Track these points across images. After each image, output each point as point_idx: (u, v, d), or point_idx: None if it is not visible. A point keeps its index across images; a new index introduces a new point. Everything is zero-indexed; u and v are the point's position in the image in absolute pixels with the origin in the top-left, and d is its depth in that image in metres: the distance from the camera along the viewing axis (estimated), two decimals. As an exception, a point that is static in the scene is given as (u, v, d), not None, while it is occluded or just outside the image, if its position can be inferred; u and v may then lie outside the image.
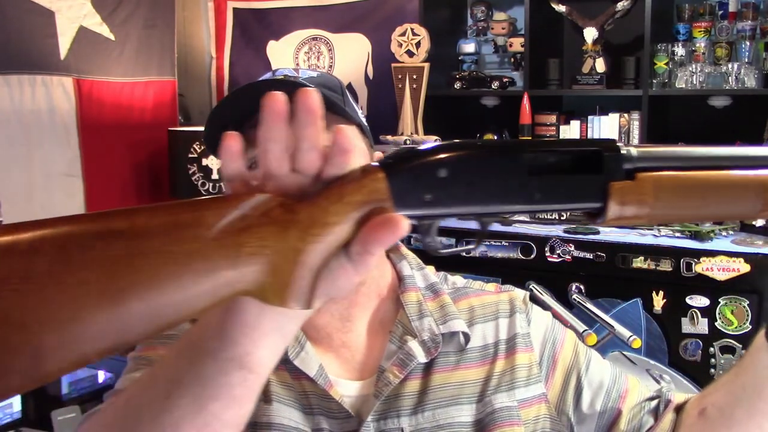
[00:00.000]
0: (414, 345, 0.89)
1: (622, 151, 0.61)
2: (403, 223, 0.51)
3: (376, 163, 0.55)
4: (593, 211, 0.61)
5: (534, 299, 1.19)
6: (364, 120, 0.94)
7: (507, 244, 2.37)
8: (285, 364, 0.86)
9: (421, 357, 0.88)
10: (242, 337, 0.53)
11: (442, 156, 0.57)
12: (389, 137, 2.89)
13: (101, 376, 2.86)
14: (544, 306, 2.37)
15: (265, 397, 0.85)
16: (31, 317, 0.43)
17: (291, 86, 0.87)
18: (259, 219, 0.49)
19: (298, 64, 3.56)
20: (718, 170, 0.62)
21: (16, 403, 2.24)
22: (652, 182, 0.61)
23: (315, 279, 0.52)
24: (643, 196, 0.61)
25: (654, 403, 0.96)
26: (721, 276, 2.16)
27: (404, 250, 0.98)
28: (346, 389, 0.88)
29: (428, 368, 0.90)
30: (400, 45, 3.00)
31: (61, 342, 0.44)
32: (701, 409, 0.89)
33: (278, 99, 0.50)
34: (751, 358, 0.86)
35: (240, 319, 0.52)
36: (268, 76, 0.93)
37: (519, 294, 1.01)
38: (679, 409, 0.94)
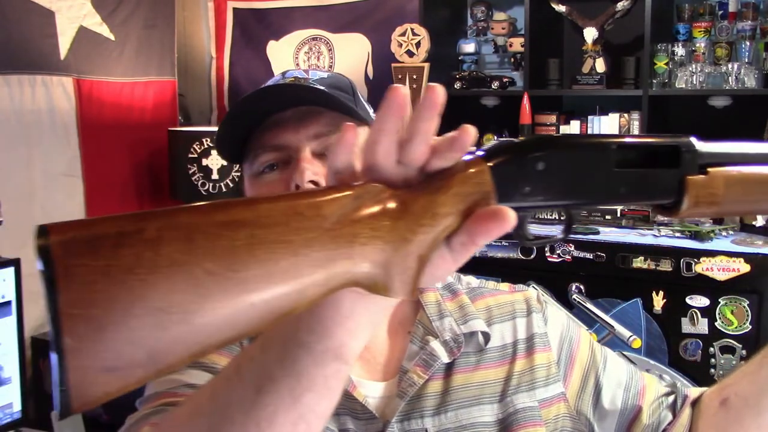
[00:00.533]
0: (436, 345, 0.88)
1: (697, 148, 0.63)
2: (511, 215, 0.51)
3: (481, 154, 0.55)
4: (667, 205, 0.63)
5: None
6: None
7: (507, 244, 2.36)
8: None
9: (444, 357, 0.88)
10: (338, 327, 0.52)
11: (541, 149, 0.58)
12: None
13: (101, 376, 2.85)
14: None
15: None
16: (159, 308, 0.42)
17: (302, 90, 0.88)
18: (371, 209, 0.49)
19: (298, 64, 3.57)
20: None
21: (16, 403, 2.24)
22: (723, 177, 0.63)
23: (421, 269, 0.52)
24: (714, 190, 0.62)
25: (671, 398, 0.97)
26: (721, 276, 2.16)
27: None
28: (369, 390, 0.88)
29: (449, 369, 0.90)
30: (400, 45, 3.00)
31: (185, 334, 0.43)
32: (723, 399, 0.89)
33: (402, 93, 0.50)
34: None
35: (336, 311, 0.52)
36: (278, 78, 0.93)
37: (533, 293, 1.01)
38: (694, 403, 0.94)
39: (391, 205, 0.50)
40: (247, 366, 0.55)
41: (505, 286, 1.00)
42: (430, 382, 0.88)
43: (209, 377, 0.80)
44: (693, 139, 0.64)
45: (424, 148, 0.51)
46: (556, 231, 0.65)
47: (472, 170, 0.53)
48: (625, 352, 2.31)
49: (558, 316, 1.01)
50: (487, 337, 0.92)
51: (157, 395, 0.79)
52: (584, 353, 0.98)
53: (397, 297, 0.51)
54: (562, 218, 0.66)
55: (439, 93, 0.50)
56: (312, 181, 0.83)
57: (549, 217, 2.51)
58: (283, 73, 0.95)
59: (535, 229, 0.68)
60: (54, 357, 0.41)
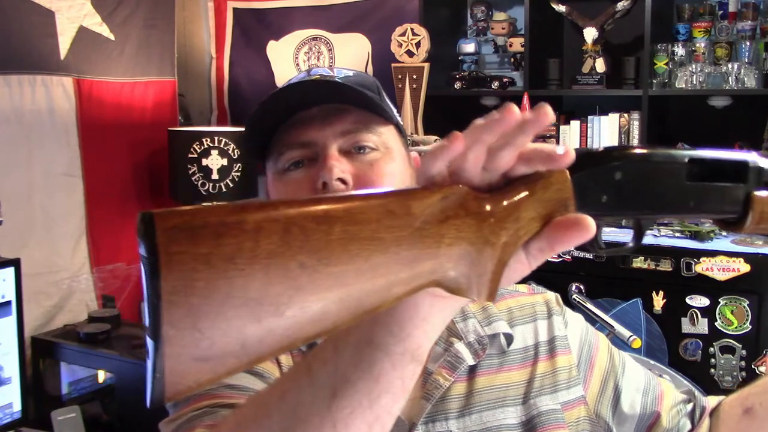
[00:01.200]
0: (461, 347, 0.88)
1: (762, 165, 0.63)
2: (592, 225, 0.51)
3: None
4: (731, 220, 0.64)
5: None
6: (400, 119, 0.94)
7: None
8: None
9: (470, 359, 0.88)
10: (416, 329, 0.52)
11: (618, 159, 0.58)
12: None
13: (101, 376, 2.86)
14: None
15: None
16: (255, 298, 0.42)
17: (329, 87, 0.88)
18: (457, 211, 0.50)
19: (298, 65, 3.57)
20: None
21: (16, 403, 2.24)
22: None
23: (500, 272, 0.52)
24: None
25: (690, 406, 0.98)
26: (721, 276, 2.16)
27: None
28: None
29: (473, 371, 0.89)
30: (400, 45, 3.00)
31: (276, 326, 0.44)
32: (746, 408, 0.90)
33: (515, 117, 0.50)
34: None
35: (416, 312, 0.52)
36: (303, 76, 0.92)
37: (551, 296, 1.01)
38: (713, 412, 0.95)
39: (476, 208, 0.50)
40: (319, 368, 0.54)
41: (523, 287, 1.00)
42: (455, 384, 0.87)
43: (249, 378, 0.80)
44: (757, 155, 0.64)
45: (513, 155, 0.51)
46: (625, 239, 0.65)
47: (554, 176, 0.53)
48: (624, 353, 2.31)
49: (577, 320, 1.00)
50: (509, 338, 0.91)
51: (197, 397, 0.77)
52: (603, 358, 0.98)
53: (477, 299, 0.51)
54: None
55: (548, 114, 0.50)
56: (340, 179, 0.83)
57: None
58: (308, 71, 0.94)
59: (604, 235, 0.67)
60: (150, 344, 0.42)
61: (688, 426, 0.95)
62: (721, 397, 0.97)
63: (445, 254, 0.49)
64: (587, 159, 0.57)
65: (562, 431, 0.90)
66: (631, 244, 0.64)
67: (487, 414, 0.87)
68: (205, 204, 0.46)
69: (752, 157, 0.64)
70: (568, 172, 0.54)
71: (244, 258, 0.43)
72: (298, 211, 0.45)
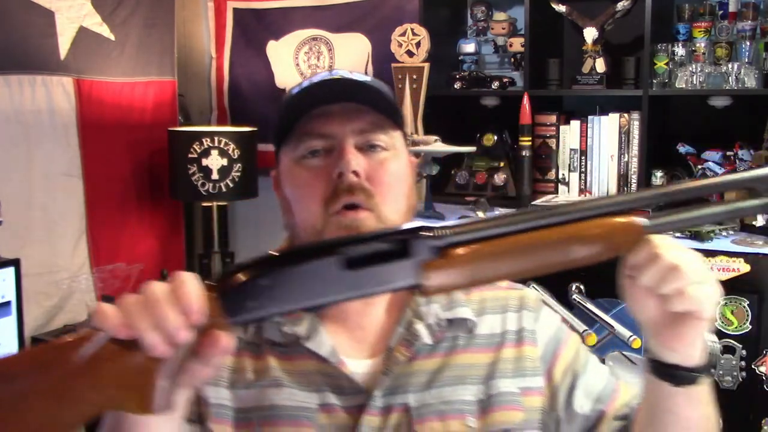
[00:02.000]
0: (420, 327, 0.96)
1: (428, 235, 0.72)
2: (224, 341, 0.66)
3: (213, 284, 0.69)
4: (415, 287, 0.72)
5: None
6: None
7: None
8: (296, 347, 0.94)
9: (426, 338, 0.96)
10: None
11: (264, 269, 0.69)
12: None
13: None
14: (544, 306, 2.37)
15: (268, 382, 0.94)
16: None
17: (355, 86, 0.96)
18: (108, 352, 0.63)
19: (298, 65, 3.57)
20: (509, 237, 0.74)
21: (16, 403, 2.24)
22: (454, 257, 0.72)
23: (173, 384, 0.66)
24: (451, 268, 0.72)
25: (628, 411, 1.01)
26: (721, 276, 2.16)
27: None
28: (357, 367, 0.95)
29: (438, 350, 0.97)
30: (400, 45, 3.00)
31: None
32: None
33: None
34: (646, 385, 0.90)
35: (134, 423, 0.70)
36: (325, 75, 0.99)
37: (530, 294, 1.06)
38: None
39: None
40: None
41: (504, 282, 1.05)
42: (418, 361, 0.95)
43: None
44: (430, 228, 0.73)
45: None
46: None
47: (208, 304, 0.66)
48: (625, 352, 2.31)
49: (551, 319, 1.06)
50: (472, 324, 0.99)
51: None
52: (568, 354, 1.03)
53: (157, 413, 0.65)
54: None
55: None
56: (354, 171, 0.91)
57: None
58: (330, 71, 1.03)
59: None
60: None
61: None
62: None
63: (106, 388, 0.63)
64: (233, 276, 0.70)
65: (517, 413, 0.96)
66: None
67: (446, 390, 0.95)
68: None
69: (418, 231, 0.72)
70: (216, 294, 0.68)
71: None
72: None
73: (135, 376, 0.64)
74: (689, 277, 0.77)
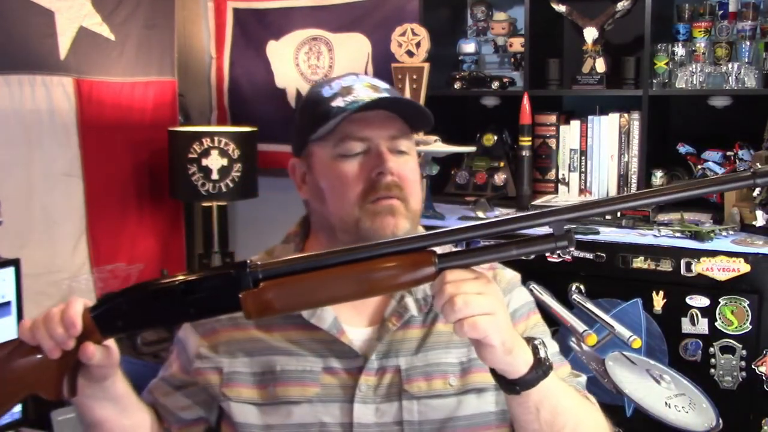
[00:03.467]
0: (409, 301, 1.15)
1: (246, 269, 0.91)
2: (90, 351, 0.94)
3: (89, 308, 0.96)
4: (235, 311, 0.92)
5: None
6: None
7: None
8: (302, 321, 1.13)
9: (414, 311, 1.15)
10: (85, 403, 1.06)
11: (122, 298, 0.95)
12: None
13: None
14: (544, 306, 2.37)
15: (280, 350, 1.13)
16: None
17: (398, 102, 1.14)
18: (23, 353, 0.95)
19: (298, 64, 3.56)
20: (319, 271, 0.91)
21: (16, 403, 2.24)
22: (268, 287, 0.90)
23: (73, 377, 0.97)
24: (264, 297, 0.90)
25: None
26: (721, 276, 2.16)
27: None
28: (356, 335, 1.14)
29: (428, 320, 1.16)
30: (400, 45, 3.01)
31: None
32: None
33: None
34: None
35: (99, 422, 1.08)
36: (353, 79, 1.18)
37: (506, 274, 1.25)
38: None
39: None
40: None
41: (486, 264, 1.12)
42: (410, 329, 1.15)
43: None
44: (248, 262, 0.92)
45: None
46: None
47: (84, 320, 0.96)
48: (625, 353, 2.31)
49: (521, 297, 1.24)
50: None
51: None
52: (525, 324, 1.20)
53: (65, 398, 0.97)
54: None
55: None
56: (391, 173, 1.10)
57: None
58: (356, 75, 1.20)
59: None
60: None
61: None
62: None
63: (25, 377, 0.97)
64: (104, 303, 0.96)
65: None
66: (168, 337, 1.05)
67: (432, 353, 1.14)
68: None
69: (238, 266, 0.91)
70: (90, 314, 0.95)
71: None
72: None
73: (41, 370, 0.94)
74: (470, 309, 0.88)
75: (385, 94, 1.15)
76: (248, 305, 0.90)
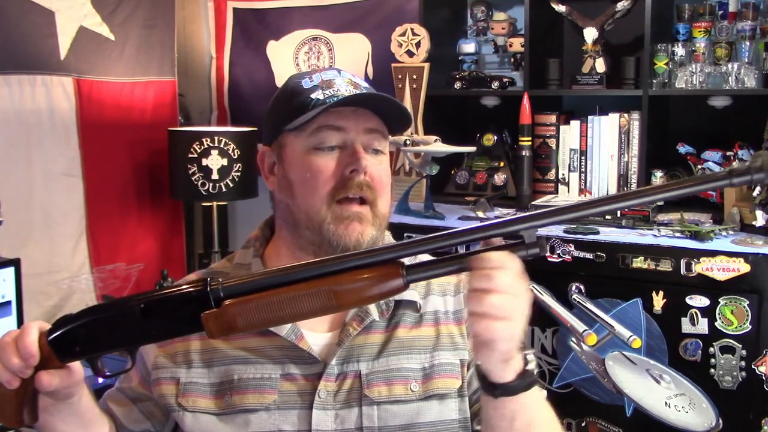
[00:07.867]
0: (371, 306, 1.12)
1: (207, 289, 0.89)
2: (45, 380, 0.93)
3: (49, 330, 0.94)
4: (195, 332, 0.91)
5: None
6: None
7: (506, 243, 2.35)
8: (262, 330, 1.07)
9: (375, 315, 1.12)
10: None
11: (79, 321, 0.92)
12: (390, 137, 2.88)
13: (101, 376, 2.85)
14: (543, 306, 2.38)
15: (237, 359, 1.11)
16: None
17: (386, 101, 1.12)
18: None
19: (297, 65, 3.57)
20: (284, 287, 0.88)
21: (16, 403, 2.23)
22: (230, 306, 0.88)
23: (34, 404, 0.95)
24: (226, 316, 0.88)
25: None
26: (721, 276, 2.16)
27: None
28: (316, 340, 1.12)
29: (390, 325, 1.14)
30: (400, 45, 3.01)
31: None
32: None
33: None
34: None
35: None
36: (334, 73, 1.15)
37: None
38: None
39: None
40: None
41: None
42: (371, 334, 1.13)
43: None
44: (210, 282, 0.90)
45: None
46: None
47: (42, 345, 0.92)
48: (625, 352, 2.31)
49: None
50: (419, 305, 1.15)
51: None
52: (455, 328, 1.18)
53: (26, 424, 0.96)
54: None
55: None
56: (365, 172, 1.09)
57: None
58: (338, 70, 1.17)
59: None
60: None
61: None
62: None
63: None
64: (59, 328, 0.92)
65: (455, 381, 1.13)
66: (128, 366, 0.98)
67: (394, 359, 1.12)
68: None
69: (199, 286, 0.90)
70: (46, 339, 0.92)
71: None
72: None
73: (5, 397, 0.93)
74: (496, 310, 0.86)
75: (365, 92, 1.13)
76: (210, 326, 0.88)
